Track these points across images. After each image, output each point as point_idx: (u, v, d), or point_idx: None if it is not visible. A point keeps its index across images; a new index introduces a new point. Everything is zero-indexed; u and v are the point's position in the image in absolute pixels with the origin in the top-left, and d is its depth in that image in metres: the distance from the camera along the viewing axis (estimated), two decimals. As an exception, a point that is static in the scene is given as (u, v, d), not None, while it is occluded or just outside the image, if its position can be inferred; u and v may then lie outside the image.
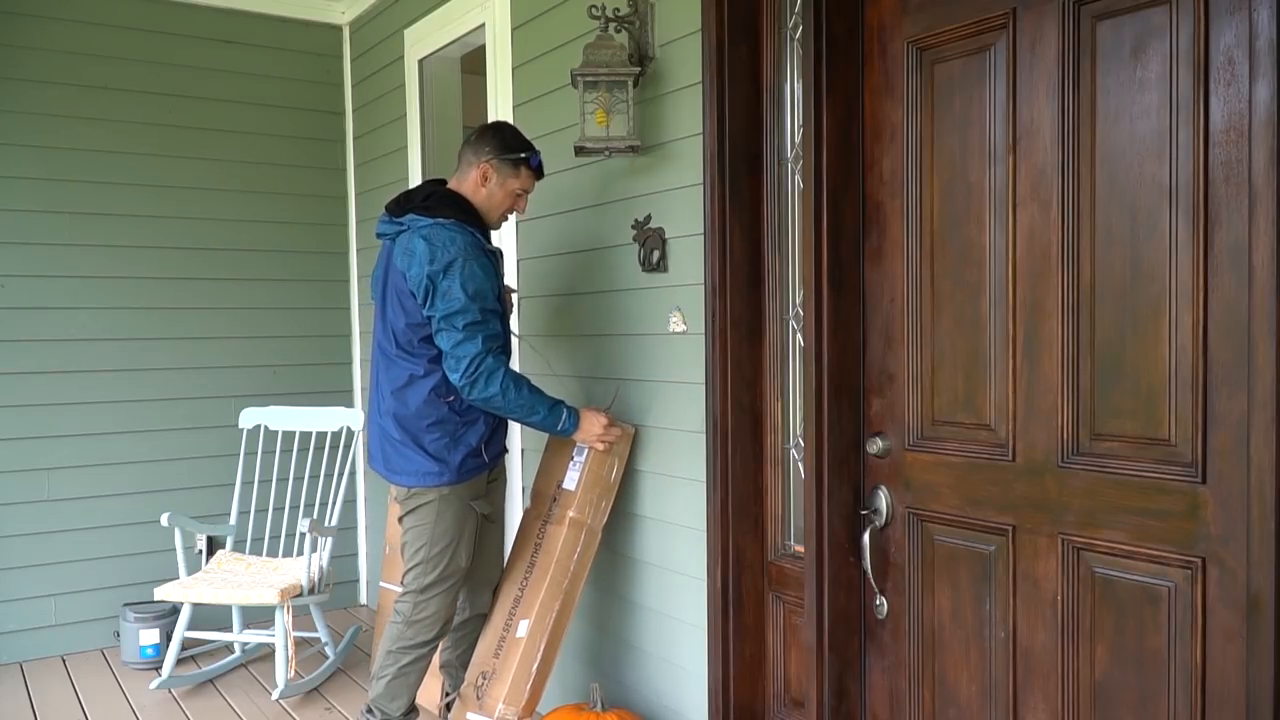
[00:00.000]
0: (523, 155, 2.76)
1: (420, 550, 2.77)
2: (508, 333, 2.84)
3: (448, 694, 3.09)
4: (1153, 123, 1.76)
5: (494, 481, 2.96)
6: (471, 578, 2.94)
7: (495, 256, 2.77)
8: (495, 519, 2.99)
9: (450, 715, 3.02)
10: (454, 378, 2.63)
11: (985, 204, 2.03)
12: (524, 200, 2.85)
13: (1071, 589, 1.92)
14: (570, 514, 2.88)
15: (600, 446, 2.85)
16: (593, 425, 2.80)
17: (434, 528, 2.75)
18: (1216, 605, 1.72)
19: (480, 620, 3.03)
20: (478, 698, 2.89)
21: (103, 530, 4.21)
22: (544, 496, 3.00)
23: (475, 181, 2.76)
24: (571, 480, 2.93)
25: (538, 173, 2.82)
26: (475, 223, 2.72)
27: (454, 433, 2.73)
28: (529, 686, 2.83)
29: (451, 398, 2.71)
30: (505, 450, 2.95)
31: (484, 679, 2.90)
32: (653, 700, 2.95)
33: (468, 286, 2.60)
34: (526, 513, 3.07)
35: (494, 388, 2.63)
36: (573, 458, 2.96)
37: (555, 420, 2.75)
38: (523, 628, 2.86)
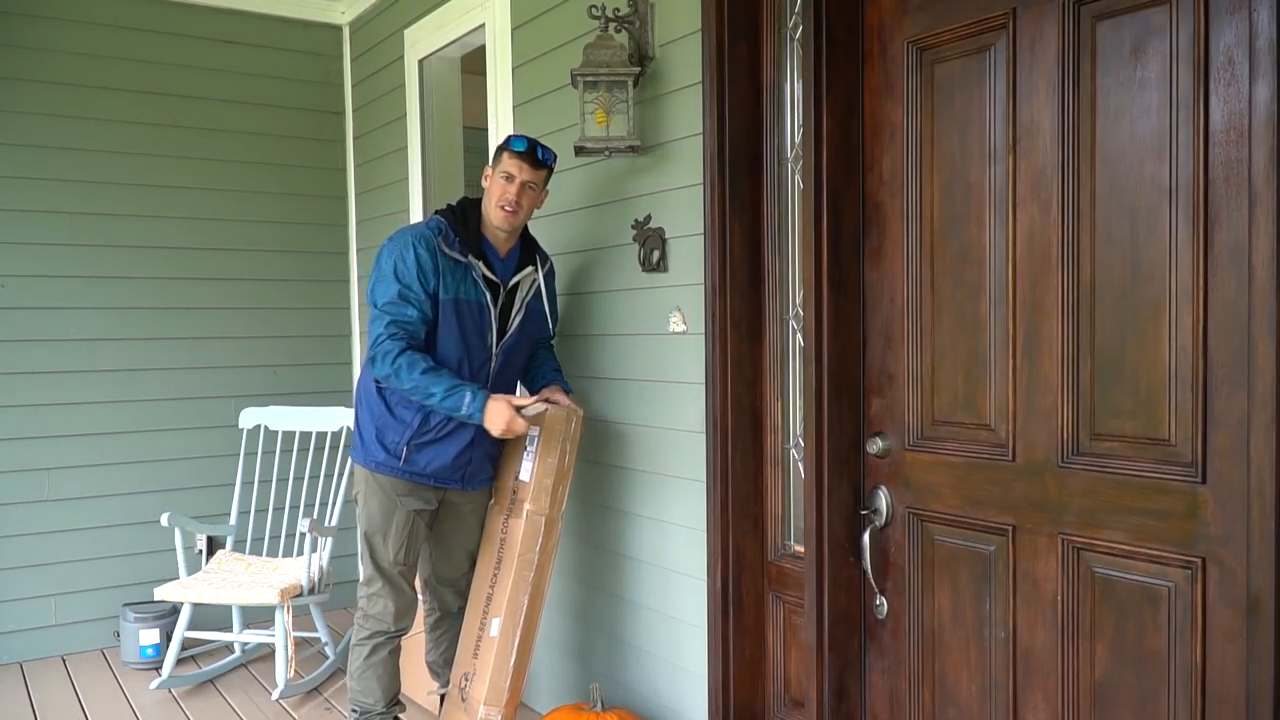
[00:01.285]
0: (503, 142, 2.78)
1: (359, 537, 2.87)
2: (477, 348, 2.77)
3: (438, 691, 3.12)
4: (1153, 122, 1.75)
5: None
6: (434, 576, 3.01)
7: (465, 267, 2.72)
8: (448, 519, 2.94)
9: (441, 715, 3.04)
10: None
11: (985, 204, 2.03)
12: (513, 187, 2.71)
13: (1071, 589, 1.92)
14: (527, 505, 2.88)
15: (508, 436, 2.67)
16: (496, 416, 2.60)
17: (362, 513, 2.85)
18: (1216, 605, 1.71)
19: (452, 619, 3.06)
20: (462, 699, 2.92)
21: (103, 530, 4.21)
22: (505, 490, 3.00)
23: (484, 188, 2.81)
24: (526, 471, 2.92)
25: (524, 155, 2.71)
26: (462, 226, 2.74)
27: (377, 416, 2.80)
28: (508, 684, 2.85)
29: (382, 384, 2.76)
30: (462, 479, 2.85)
31: (466, 680, 2.92)
32: (652, 700, 2.95)
33: (398, 267, 2.65)
34: (491, 509, 3.06)
35: (386, 366, 2.61)
36: (525, 448, 2.95)
37: (457, 404, 2.60)
38: (495, 626, 2.87)
